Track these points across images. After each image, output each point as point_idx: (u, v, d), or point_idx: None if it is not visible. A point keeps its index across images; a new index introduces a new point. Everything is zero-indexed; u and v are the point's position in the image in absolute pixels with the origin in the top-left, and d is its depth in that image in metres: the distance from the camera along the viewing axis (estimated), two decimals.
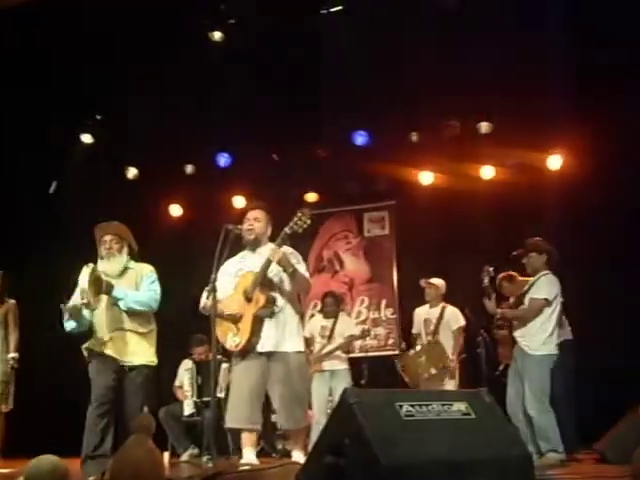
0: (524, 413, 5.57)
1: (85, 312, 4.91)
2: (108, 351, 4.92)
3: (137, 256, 5.28)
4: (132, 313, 4.98)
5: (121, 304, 4.94)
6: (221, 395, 6.62)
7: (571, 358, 5.88)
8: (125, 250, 5.16)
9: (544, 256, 5.85)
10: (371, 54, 7.41)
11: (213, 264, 4.75)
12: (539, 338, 5.63)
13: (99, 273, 4.89)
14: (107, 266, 5.06)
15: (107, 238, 5.12)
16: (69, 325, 4.96)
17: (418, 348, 7.05)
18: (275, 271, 4.92)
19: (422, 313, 7.42)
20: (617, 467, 4.98)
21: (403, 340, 7.67)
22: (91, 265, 4.84)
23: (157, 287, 5.13)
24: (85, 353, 5.03)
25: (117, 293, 4.92)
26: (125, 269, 5.11)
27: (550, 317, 5.68)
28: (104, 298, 4.95)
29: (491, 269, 6.03)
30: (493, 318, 6.08)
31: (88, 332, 5.03)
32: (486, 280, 6.00)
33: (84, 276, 4.76)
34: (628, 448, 3.09)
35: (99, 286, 4.85)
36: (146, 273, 5.15)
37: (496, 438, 2.88)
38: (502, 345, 6.13)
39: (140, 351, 4.99)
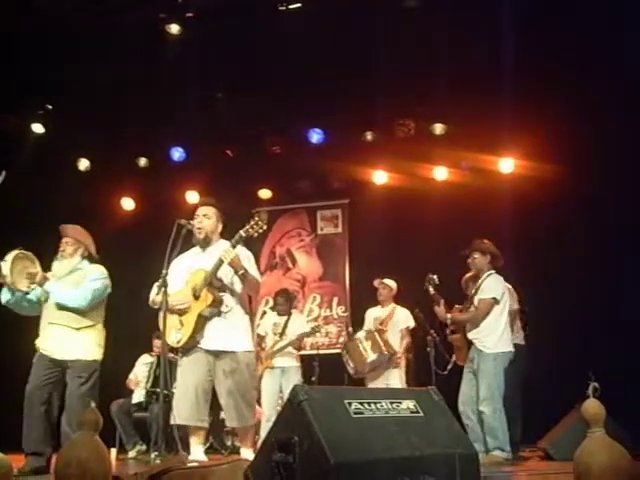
0: (476, 411, 5.64)
1: (28, 298, 5.09)
2: (44, 346, 5.01)
3: (97, 260, 5.34)
4: (66, 308, 5.03)
5: (52, 297, 5.04)
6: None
7: (521, 362, 5.98)
8: (79, 253, 5.23)
9: (487, 257, 5.94)
10: (328, 53, 7.41)
11: (164, 259, 4.72)
12: (493, 337, 5.71)
13: (24, 255, 5.04)
14: (57, 266, 5.17)
15: (63, 240, 5.23)
16: (4, 297, 5.09)
17: (362, 334, 7.10)
18: (226, 272, 4.89)
19: (373, 313, 7.49)
20: (561, 464, 5.10)
21: (351, 325, 7.70)
22: (18, 249, 5.01)
23: (95, 286, 5.12)
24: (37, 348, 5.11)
25: (48, 286, 5.03)
26: (74, 270, 5.17)
27: (501, 315, 5.77)
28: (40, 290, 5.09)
29: (435, 277, 6.10)
30: (445, 324, 6.14)
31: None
32: (431, 289, 6.07)
33: (8, 255, 4.94)
34: (571, 446, 3.16)
35: (32, 274, 4.99)
36: (91, 272, 5.18)
37: (443, 436, 2.91)
38: (457, 349, 6.18)
39: (74, 346, 5.01)
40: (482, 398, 5.60)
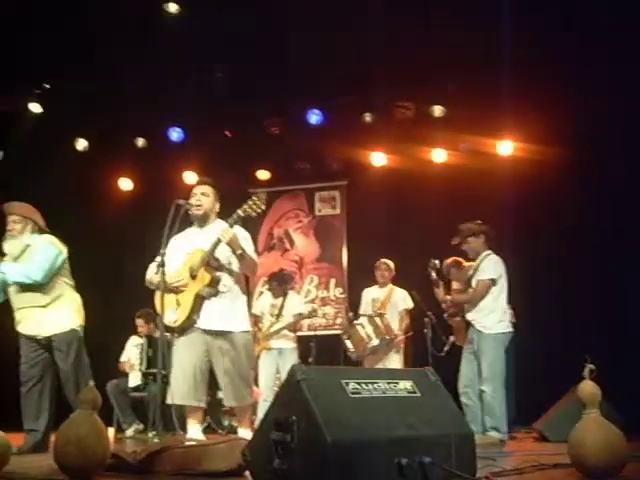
0: (477, 392, 5.67)
1: None
2: (22, 330, 5.08)
3: (48, 232, 5.31)
4: (28, 289, 5.05)
5: (7, 278, 5.05)
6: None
7: (512, 341, 6.01)
8: (28, 229, 5.18)
9: (481, 237, 5.95)
10: (327, 33, 7.37)
11: (162, 239, 4.71)
12: (492, 317, 5.73)
13: None
14: (8, 247, 5.15)
15: (9, 219, 5.17)
16: None
17: (364, 319, 7.12)
18: (223, 252, 4.88)
19: (371, 293, 7.52)
20: (556, 445, 5.13)
21: (351, 311, 7.71)
22: None
23: (46, 256, 5.10)
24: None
25: (1, 268, 5.05)
26: (25, 248, 5.14)
27: (499, 296, 5.79)
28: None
29: (437, 262, 6.12)
30: (444, 306, 6.17)
31: None
32: (433, 274, 6.09)
33: None
34: (566, 427, 3.18)
35: None
36: (40, 245, 5.14)
37: (440, 416, 2.93)
38: (456, 330, 6.21)
39: (48, 323, 5.06)
40: (484, 378, 5.64)
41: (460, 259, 6.35)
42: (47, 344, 5.08)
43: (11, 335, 5.26)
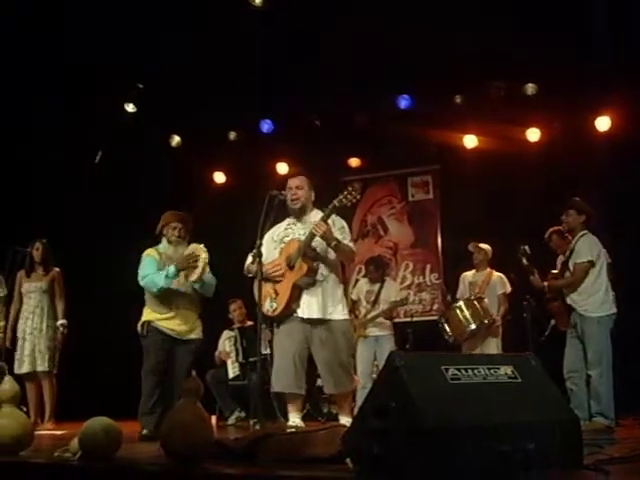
0: (584, 377, 5.52)
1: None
2: (169, 326, 5.45)
3: None
4: (196, 295, 5.56)
5: (203, 288, 5.54)
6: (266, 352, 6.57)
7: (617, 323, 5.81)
8: (187, 240, 5.66)
9: (583, 216, 5.75)
10: (415, 16, 7.28)
11: (258, 230, 4.79)
12: (594, 300, 5.56)
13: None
14: (173, 251, 5.56)
15: (179, 225, 5.62)
16: (165, 282, 5.40)
17: (462, 303, 7.02)
18: (320, 241, 4.92)
19: (468, 277, 7.41)
20: None
21: (449, 293, 7.59)
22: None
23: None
24: (144, 326, 5.48)
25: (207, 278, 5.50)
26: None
27: (599, 277, 5.60)
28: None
29: (526, 247, 5.99)
30: (542, 293, 6.03)
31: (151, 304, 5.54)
32: (524, 260, 5.96)
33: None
34: None
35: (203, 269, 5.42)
36: (203, 258, 5.46)
37: (542, 402, 2.86)
38: (558, 315, 6.06)
39: (195, 327, 5.57)
40: (590, 362, 5.48)
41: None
42: (176, 343, 5.46)
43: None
